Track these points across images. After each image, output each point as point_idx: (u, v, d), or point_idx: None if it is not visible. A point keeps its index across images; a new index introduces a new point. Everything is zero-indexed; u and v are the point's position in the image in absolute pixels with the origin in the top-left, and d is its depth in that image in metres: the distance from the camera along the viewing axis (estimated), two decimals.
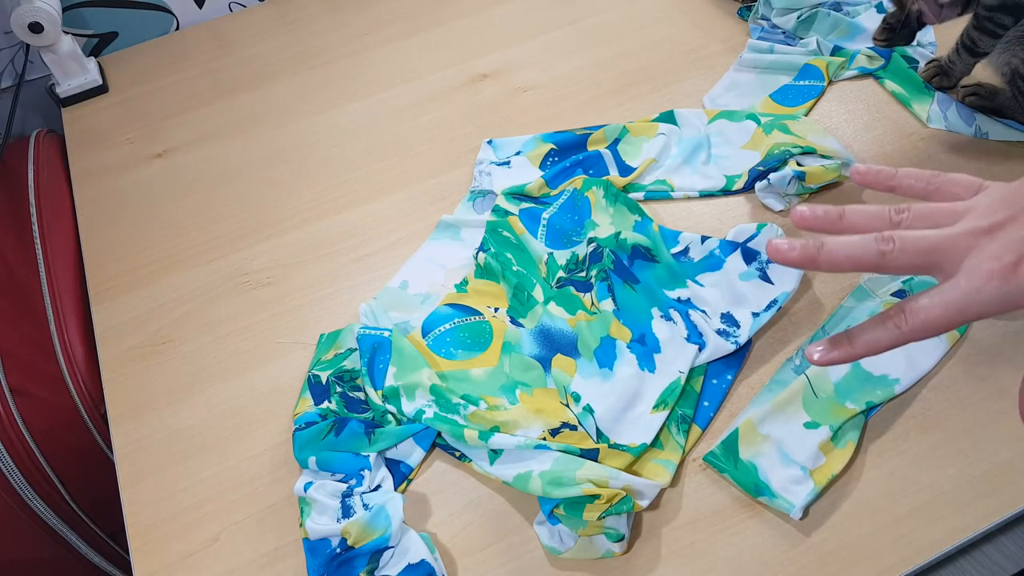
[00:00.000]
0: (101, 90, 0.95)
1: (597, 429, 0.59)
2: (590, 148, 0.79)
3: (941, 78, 0.81)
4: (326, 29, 1.00)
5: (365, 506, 0.56)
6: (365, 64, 0.94)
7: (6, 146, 0.89)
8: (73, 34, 0.94)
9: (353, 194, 0.81)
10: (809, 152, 0.73)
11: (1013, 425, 0.59)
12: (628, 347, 0.63)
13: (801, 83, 0.83)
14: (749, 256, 0.67)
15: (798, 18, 0.89)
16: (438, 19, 0.98)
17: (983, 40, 0.73)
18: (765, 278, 0.66)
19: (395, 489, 0.59)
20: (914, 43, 0.86)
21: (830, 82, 0.84)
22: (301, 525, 0.57)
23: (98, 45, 1.01)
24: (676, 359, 0.62)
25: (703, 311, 0.65)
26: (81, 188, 0.85)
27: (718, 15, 0.94)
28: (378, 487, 0.59)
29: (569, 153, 0.78)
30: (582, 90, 0.87)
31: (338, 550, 0.55)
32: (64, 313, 0.74)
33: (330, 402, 0.63)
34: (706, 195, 0.76)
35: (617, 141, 0.79)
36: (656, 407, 0.60)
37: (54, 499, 0.77)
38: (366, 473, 0.58)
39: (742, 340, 0.62)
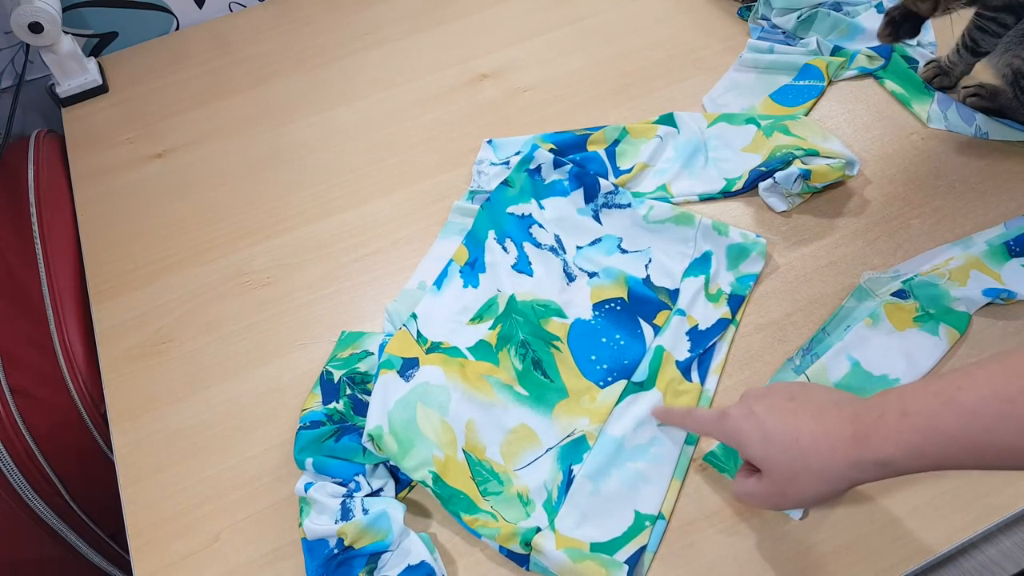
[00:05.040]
0: (101, 90, 0.95)
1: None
2: (590, 149, 0.79)
3: (941, 78, 0.81)
4: (326, 29, 1.00)
5: (365, 510, 0.56)
6: (365, 64, 0.94)
7: (6, 146, 0.89)
8: (73, 34, 0.94)
9: (353, 194, 0.81)
10: (812, 154, 0.73)
11: None
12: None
13: (801, 83, 0.83)
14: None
15: (798, 18, 0.89)
16: (438, 19, 0.98)
17: (985, 40, 0.73)
18: None
19: (396, 494, 0.59)
20: (914, 43, 0.86)
21: (830, 82, 0.84)
22: (300, 525, 0.57)
23: (98, 45, 1.01)
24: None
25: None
26: (81, 188, 0.85)
27: (718, 15, 0.94)
28: (379, 491, 0.59)
29: (568, 153, 0.78)
30: (582, 90, 0.87)
31: (336, 551, 0.55)
32: (64, 313, 0.74)
33: (338, 403, 0.63)
34: (706, 198, 0.76)
35: (616, 142, 0.79)
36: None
37: (54, 499, 0.77)
38: (361, 479, 0.58)
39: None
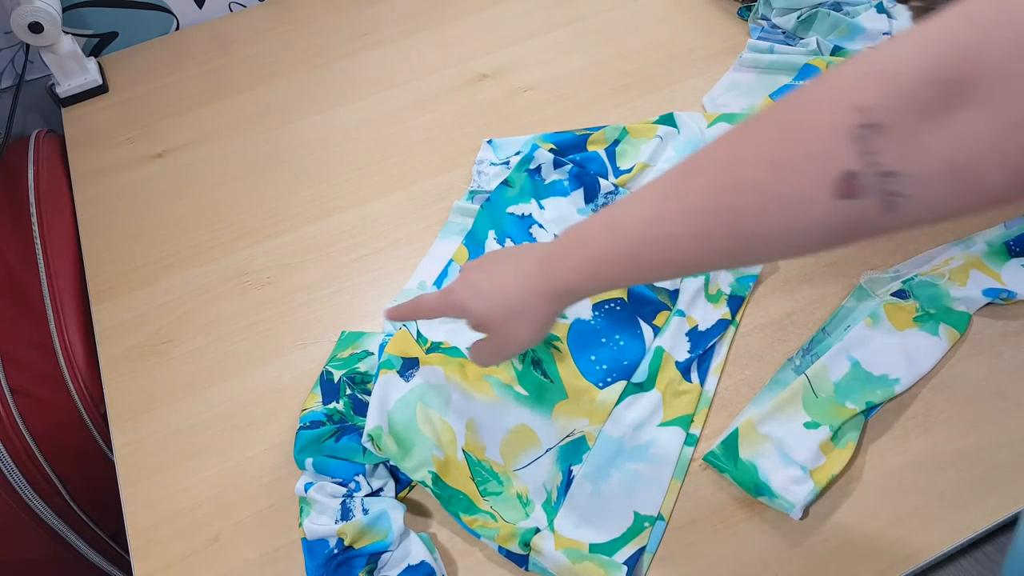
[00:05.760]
0: (101, 90, 0.95)
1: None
2: (589, 149, 0.79)
3: None
4: (326, 29, 0.99)
5: (364, 510, 0.56)
6: (365, 64, 0.94)
7: (6, 146, 0.89)
8: (73, 34, 0.94)
9: (353, 194, 0.81)
10: None
11: (1013, 425, 0.59)
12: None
13: (801, 83, 0.83)
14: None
15: (798, 18, 0.89)
16: (438, 19, 0.98)
17: None
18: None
19: (396, 494, 0.59)
20: None
21: None
22: (300, 525, 0.57)
23: (98, 45, 1.01)
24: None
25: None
26: (81, 188, 0.85)
27: (718, 15, 0.94)
28: (379, 491, 0.59)
29: (568, 153, 0.78)
30: (582, 90, 0.87)
31: (336, 551, 0.55)
32: (64, 313, 0.74)
33: (338, 403, 0.63)
34: None
35: (616, 142, 0.79)
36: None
37: (54, 499, 0.77)
38: (361, 479, 0.58)
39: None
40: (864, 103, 0.34)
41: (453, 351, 0.65)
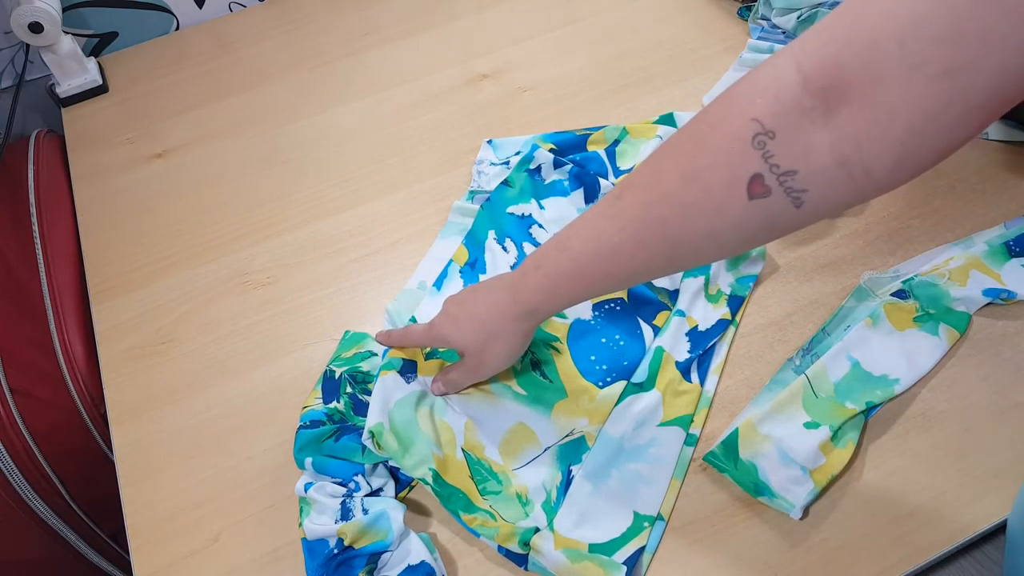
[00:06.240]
0: (101, 90, 0.95)
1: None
2: (590, 149, 0.79)
3: None
4: (326, 29, 0.99)
5: (364, 510, 0.56)
6: (365, 64, 0.94)
7: (6, 146, 0.89)
8: (73, 34, 0.94)
9: (353, 194, 0.81)
10: None
11: (1013, 425, 0.59)
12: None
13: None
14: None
15: (798, 18, 0.89)
16: (438, 19, 0.98)
17: None
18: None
19: (396, 494, 0.59)
20: None
21: None
22: (300, 525, 0.57)
23: (98, 45, 1.01)
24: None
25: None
26: (81, 188, 0.85)
27: (718, 15, 0.94)
28: (379, 491, 0.59)
29: (568, 153, 0.78)
30: (582, 90, 0.87)
31: (336, 551, 0.55)
32: (64, 313, 0.74)
33: (339, 402, 0.63)
34: None
35: (617, 142, 0.79)
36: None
37: (54, 499, 0.77)
38: (361, 479, 0.58)
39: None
40: (758, 115, 0.40)
41: (450, 355, 0.65)
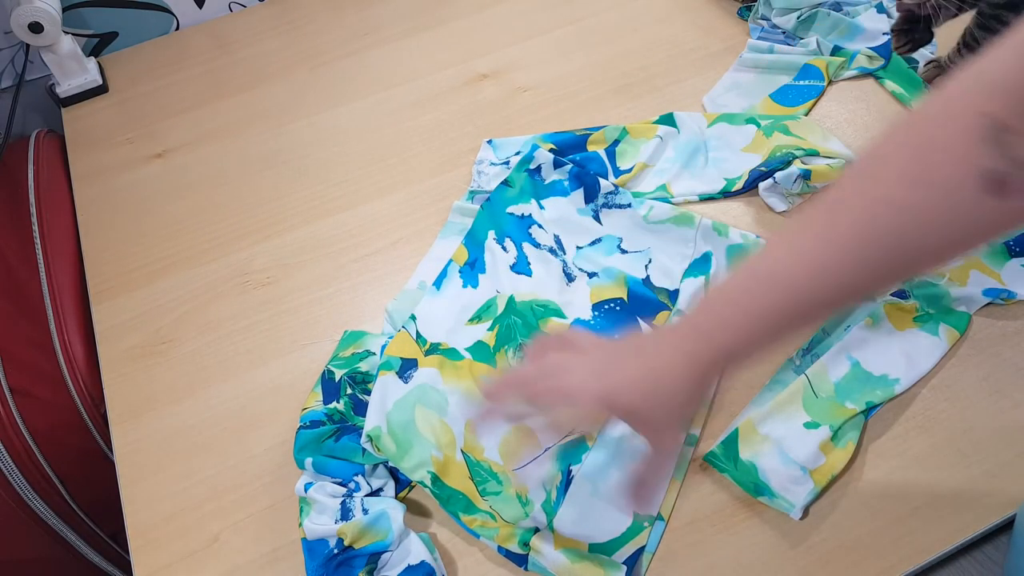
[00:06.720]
0: (101, 90, 0.95)
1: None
2: (590, 149, 0.79)
3: (942, 78, 0.81)
4: (326, 29, 0.99)
5: (364, 510, 0.56)
6: (365, 64, 0.94)
7: (6, 146, 0.89)
8: (73, 34, 0.94)
9: (353, 194, 0.81)
10: (812, 154, 0.73)
11: (1013, 425, 0.59)
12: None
13: (801, 83, 0.83)
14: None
15: (798, 18, 0.89)
16: (438, 19, 0.98)
17: (986, 38, 0.73)
18: None
19: (396, 494, 0.59)
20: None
21: (830, 82, 0.84)
22: (300, 525, 0.57)
23: (98, 45, 1.01)
24: None
25: None
26: (81, 188, 0.85)
27: (718, 15, 0.94)
28: (379, 491, 0.59)
29: (568, 153, 0.78)
30: (582, 90, 0.87)
31: (335, 551, 0.55)
32: (64, 313, 0.74)
33: (339, 402, 0.63)
34: (706, 198, 0.76)
35: (616, 142, 0.79)
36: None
37: (54, 499, 0.76)
38: (360, 479, 0.58)
39: None
40: (988, 109, 0.38)
41: (451, 352, 0.65)
